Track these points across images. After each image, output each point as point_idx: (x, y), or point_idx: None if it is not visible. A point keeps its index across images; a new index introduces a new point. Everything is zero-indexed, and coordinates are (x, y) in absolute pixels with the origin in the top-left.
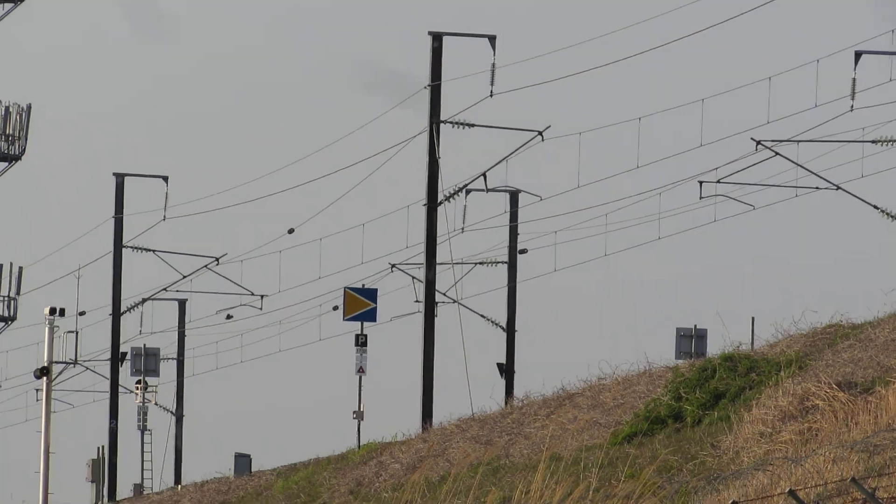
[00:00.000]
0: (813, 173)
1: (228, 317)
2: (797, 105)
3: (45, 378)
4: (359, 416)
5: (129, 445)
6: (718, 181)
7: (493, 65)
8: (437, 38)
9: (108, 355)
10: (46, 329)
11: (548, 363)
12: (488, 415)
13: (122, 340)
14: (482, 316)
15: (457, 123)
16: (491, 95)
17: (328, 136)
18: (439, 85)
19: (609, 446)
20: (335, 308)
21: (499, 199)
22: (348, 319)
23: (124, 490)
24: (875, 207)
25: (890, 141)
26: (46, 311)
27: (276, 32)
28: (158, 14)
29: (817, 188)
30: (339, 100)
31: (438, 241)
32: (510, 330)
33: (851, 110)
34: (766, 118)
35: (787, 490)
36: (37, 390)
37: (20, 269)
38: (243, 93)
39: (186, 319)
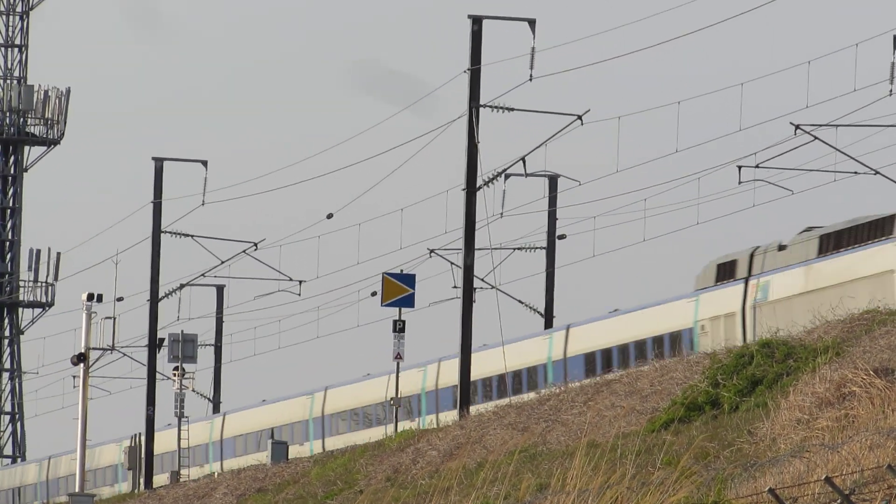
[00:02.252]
0: (851, 158)
1: (329, 216)
2: (836, 89)
3: (82, 364)
4: (396, 402)
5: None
6: (757, 166)
7: (533, 49)
8: (476, 21)
9: (146, 341)
10: (84, 315)
11: None
12: (525, 401)
13: (159, 326)
14: (520, 302)
15: (496, 108)
16: (530, 79)
17: (367, 121)
18: (479, 69)
19: (646, 433)
20: (373, 294)
21: (538, 183)
22: (386, 305)
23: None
24: None
25: None
26: (84, 296)
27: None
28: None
29: (856, 173)
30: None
31: (477, 227)
32: (548, 316)
33: (890, 94)
34: (804, 102)
35: (824, 477)
36: (74, 377)
37: (58, 254)
38: (283, 78)
39: (224, 305)
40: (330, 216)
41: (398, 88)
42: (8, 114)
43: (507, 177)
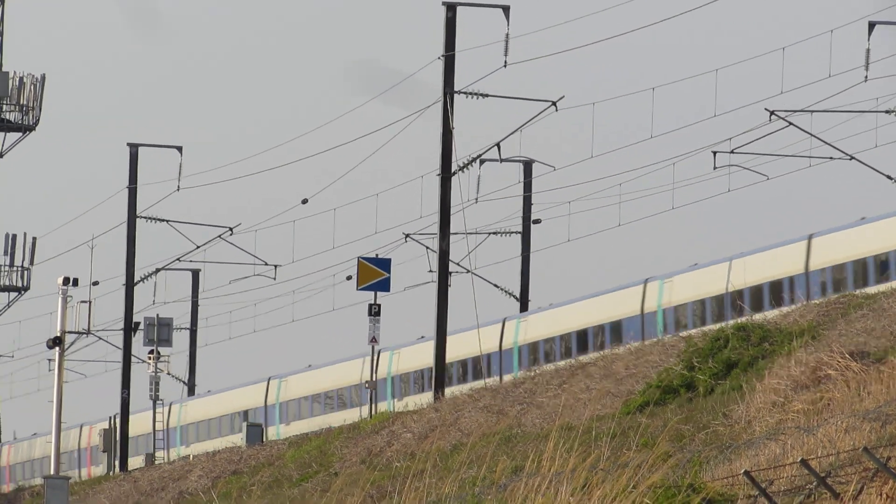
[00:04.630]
0: (827, 143)
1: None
2: (811, 75)
3: (58, 348)
4: (371, 385)
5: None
6: (732, 151)
7: (507, 35)
8: (450, 8)
9: (122, 325)
10: (60, 299)
11: None
12: (500, 384)
13: (135, 310)
14: (496, 286)
15: (471, 94)
16: (505, 66)
17: (342, 107)
18: (453, 55)
19: (621, 416)
20: (348, 278)
21: (512, 169)
22: (362, 289)
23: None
24: (888, 177)
25: None
26: (60, 280)
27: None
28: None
29: (831, 158)
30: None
31: (452, 212)
32: (523, 300)
33: (865, 81)
34: (779, 88)
35: (799, 459)
36: (49, 360)
37: (34, 239)
38: (258, 65)
39: (200, 289)
40: (305, 201)
41: (376, 76)
42: None
43: (482, 162)
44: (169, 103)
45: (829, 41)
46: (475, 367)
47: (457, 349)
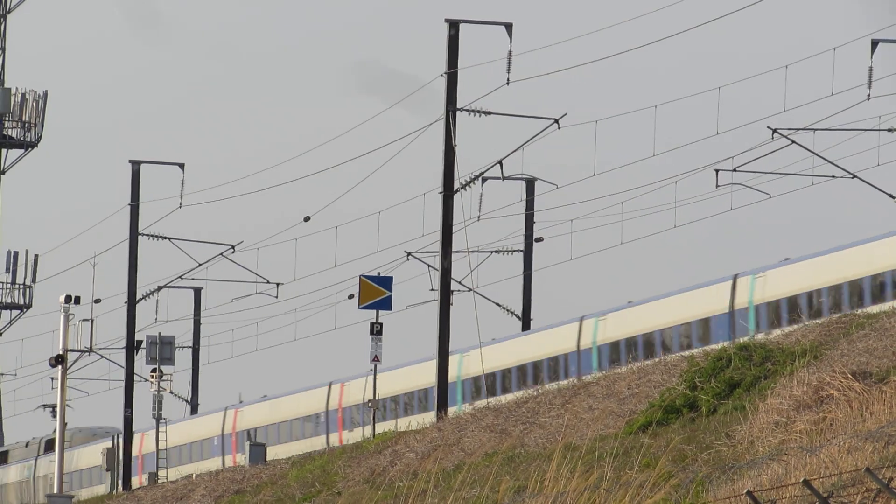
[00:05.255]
0: (829, 162)
1: (306, 218)
2: (814, 93)
3: (60, 366)
4: (374, 404)
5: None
6: (734, 170)
7: (510, 53)
8: (453, 25)
9: (124, 343)
10: (62, 317)
11: None
12: (503, 404)
13: (137, 328)
14: (497, 304)
15: (473, 111)
16: (507, 83)
17: (343, 125)
18: (456, 73)
19: (624, 436)
20: (350, 296)
21: (515, 187)
22: (363, 308)
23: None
24: (891, 196)
25: None
26: (62, 298)
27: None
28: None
29: (833, 177)
30: (355, 92)
31: (454, 230)
32: (525, 318)
33: (868, 99)
34: (782, 106)
35: (802, 480)
36: (52, 378)
37: (35, 256)
38: (262, 80)
39: (202, 307)
40: (307, 219)
41: (383, 88)
42: None
43: (484, 180)
44: (171, 120)
45: (832, 59)
46: (551, 368)
47: (542, 347)
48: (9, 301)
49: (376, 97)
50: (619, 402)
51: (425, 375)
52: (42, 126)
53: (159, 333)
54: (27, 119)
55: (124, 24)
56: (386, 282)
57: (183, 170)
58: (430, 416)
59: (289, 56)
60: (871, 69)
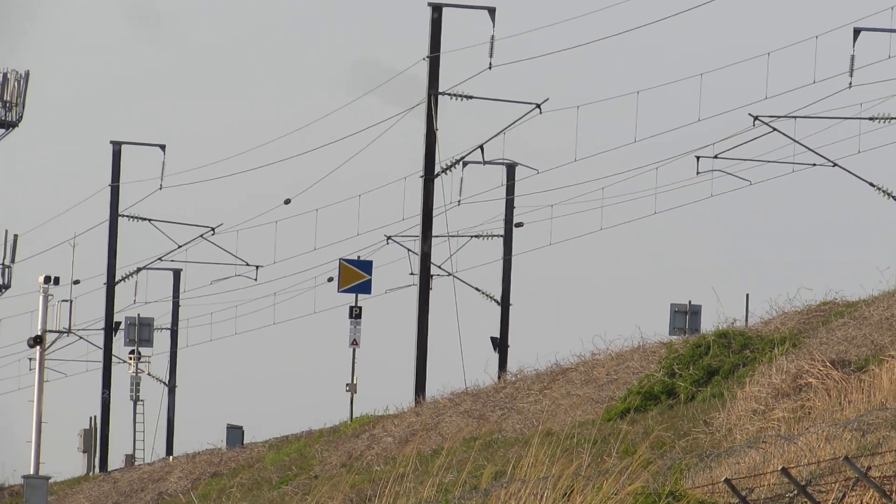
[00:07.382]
0: (810, 149)
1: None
2: (795, 81)
3: (38, 347)
4: (352, 388)
5: (122, 416)
6: (715, 156)
7: (493, 37)
8: (436, 9)
9: (102, 325)
10: (40, 297)
11: (542, 338)
12: (481, 389)
13: (116, 310)
14: (477, 289)
15: (455, 95)
16: (490, 68)
17: (325, 107)
18: (438, 56)
19: (602, 422)
20: (330, 279)
21: (496, 171)
22: (343, 291)
23: (116, 460)
24: (871, 184)
25: (887, 118)
26: (41, 279)
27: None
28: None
29: (814, 164)
30: (338, 76)
31: (434, 214)
32: (505, 304)
33: (849, 87)
34: (764, 94)
35: (780, 468)
36: (30, 359)
37: (15, 236)
38: (243, 63)
39: (181, 289)
40: (287, 202)
41: (365, 74)
42: None
43: (465, 164)
44: (153, 101)
45: (814, 47)
46: None
47: None
48: None
49: (358, 84)
50: (597, 389)
51: None
52: (23, 106)
53: (138, 315)
54: (8, 99)
55: (114, 4)
56: (366, 265)
57: (164, 151)
58: None
59: (269, 40)
60: (852, 57)
